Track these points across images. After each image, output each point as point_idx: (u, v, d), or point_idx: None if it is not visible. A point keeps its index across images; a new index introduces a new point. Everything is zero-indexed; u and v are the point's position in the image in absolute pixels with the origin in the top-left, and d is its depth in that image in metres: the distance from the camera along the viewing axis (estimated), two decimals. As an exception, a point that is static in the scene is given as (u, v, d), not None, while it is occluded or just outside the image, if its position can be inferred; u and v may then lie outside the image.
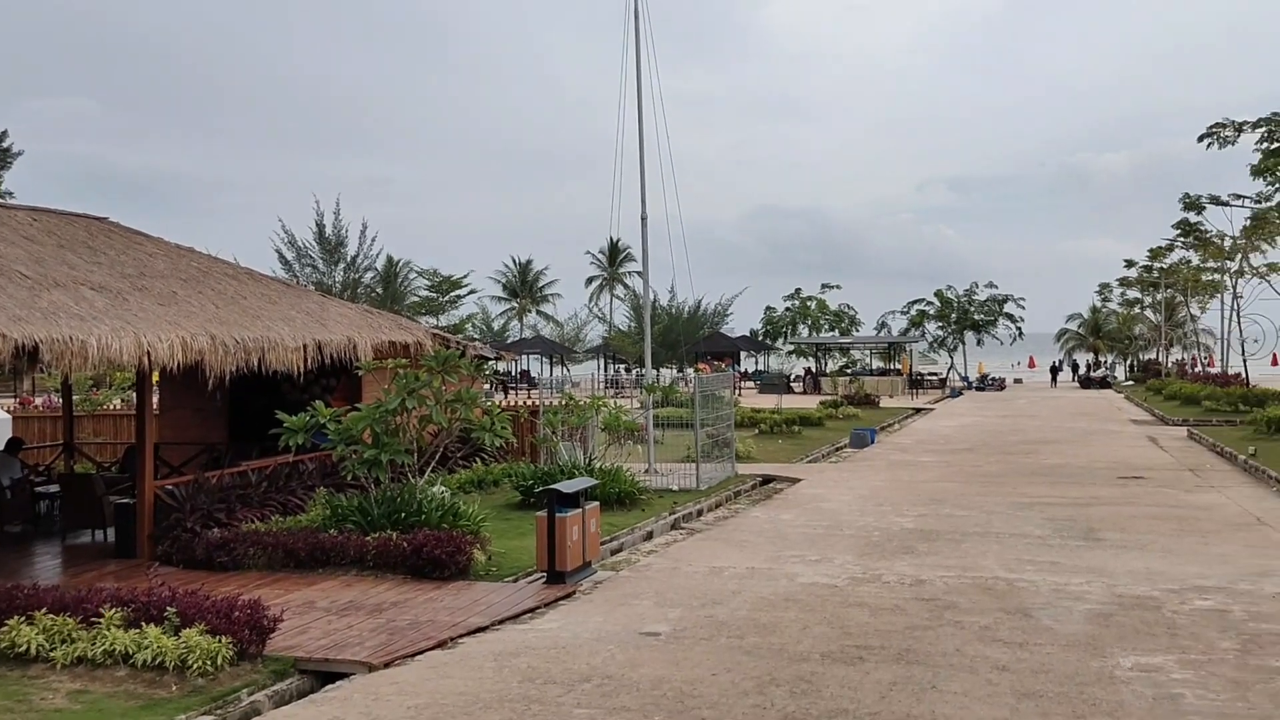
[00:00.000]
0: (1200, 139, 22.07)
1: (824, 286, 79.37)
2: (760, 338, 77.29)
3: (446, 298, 64.05)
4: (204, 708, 7.34)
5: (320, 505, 13.55)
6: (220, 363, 12.61)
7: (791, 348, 78.31)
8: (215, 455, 17.38)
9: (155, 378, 13.65)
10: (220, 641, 7.97)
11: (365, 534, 12.18)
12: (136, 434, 13.34)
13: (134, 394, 17.92)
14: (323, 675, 8.21)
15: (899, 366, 64.08)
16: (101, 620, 8.28)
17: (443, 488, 14.07)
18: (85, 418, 24.36)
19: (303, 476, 15.05)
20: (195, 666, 7.76)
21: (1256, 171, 22.80)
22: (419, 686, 7.75)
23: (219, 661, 7.86)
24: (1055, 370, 72.68)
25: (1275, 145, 21.16)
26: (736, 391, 36.76)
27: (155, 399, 17.60)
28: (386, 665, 8.25)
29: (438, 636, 9.00)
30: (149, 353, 11.55)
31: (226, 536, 12.19)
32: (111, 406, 30.02)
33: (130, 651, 7.91)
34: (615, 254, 79.83)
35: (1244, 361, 40.72)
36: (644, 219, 21.30)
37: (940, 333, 76.97)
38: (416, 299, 61.68)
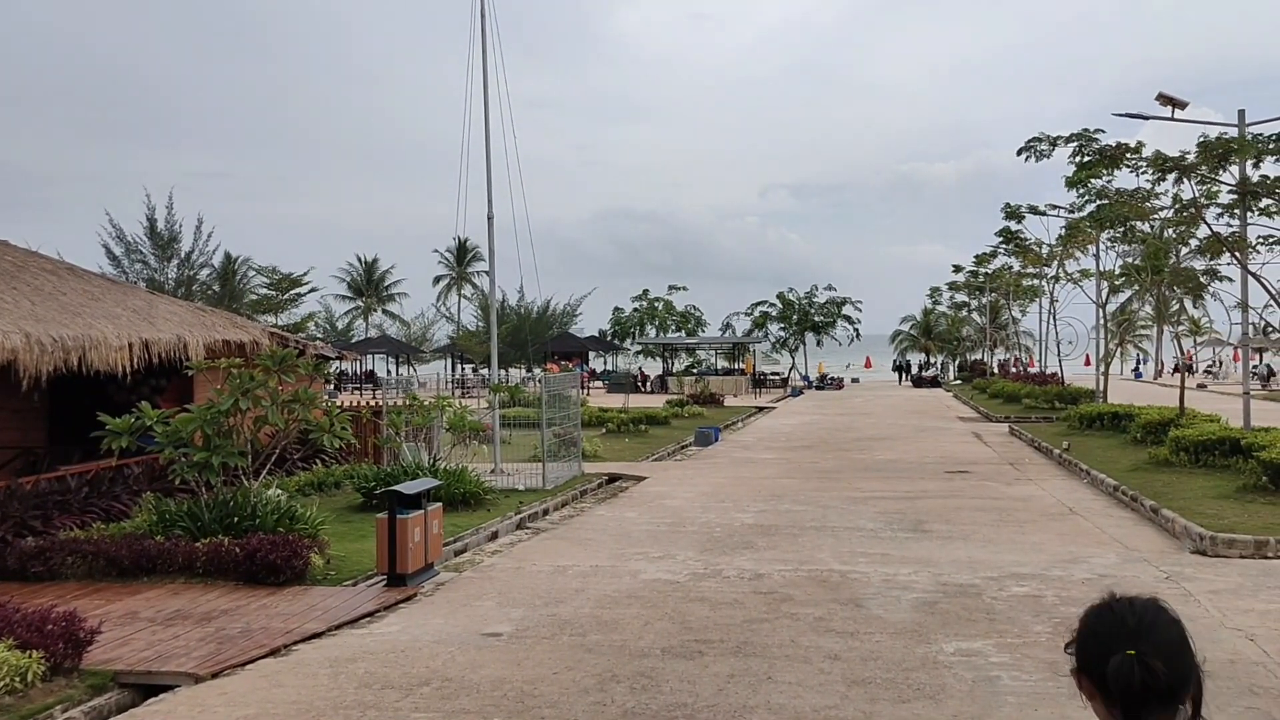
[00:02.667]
0: (1019, 152, 23.17)
1: (671, 288, 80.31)
2: (609, 338, 77.69)
3: (286, 296, 62.15)
4: (13, 727, 6.94)
5: (147, 511, 12.95)
6: (36, 362, 11.99)
7: (639, 348, 79.00)
8: (33, 459, 16.47)
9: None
10: (31, 656, 7.52)
11: (195, 540, 11.70)
12: (-59, 438, 12.51)
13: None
14: (145, 688, 7.85)
15: (743, 366, 65.53)
16: (-103, 638, 7.72)
17: (279, 490, 13.66)
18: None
19: (128, 481, 14.40)
20: (2, 684, 7.31)
21: (1070, 183, 24.06)
22: (249, 696, 7.49)
23: (29, 678, 7.42)
24: (898, 369, 76.66)
25: (1085, 159, 22.42)
26: (585, 391, 36.90)
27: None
28: (215, 675, 7.95)
29: (270, 644, 8.72)
30: (-46, 351, 10.85)
31: (42, 545, 11.52)
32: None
33: (-71, 670, 7.40)
34: (464, 253, 78.83)
35: (1060, 362, 43.11)
36: (490, 219, 21.22)
37: (782, 333, 79.02)
38: (255, 297, 59.66)
